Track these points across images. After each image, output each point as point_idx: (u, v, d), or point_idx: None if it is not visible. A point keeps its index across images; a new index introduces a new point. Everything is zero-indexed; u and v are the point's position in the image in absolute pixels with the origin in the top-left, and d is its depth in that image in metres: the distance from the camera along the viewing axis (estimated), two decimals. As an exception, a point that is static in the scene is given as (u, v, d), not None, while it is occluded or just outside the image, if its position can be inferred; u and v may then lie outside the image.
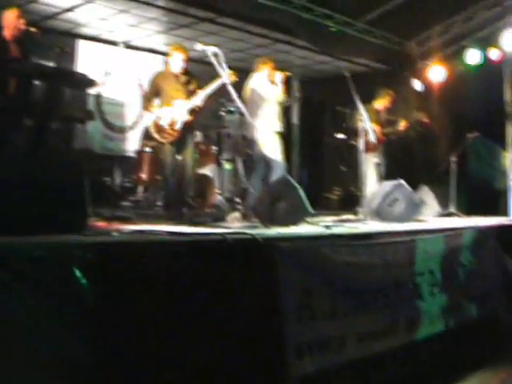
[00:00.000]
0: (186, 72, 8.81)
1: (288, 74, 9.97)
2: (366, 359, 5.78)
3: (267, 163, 9.41)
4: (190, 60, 8.86)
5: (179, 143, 8.69)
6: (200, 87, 8.66)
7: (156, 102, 8.87)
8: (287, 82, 10.02)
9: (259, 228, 6.61)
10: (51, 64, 7.85)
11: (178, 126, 8.54)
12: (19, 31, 7.74)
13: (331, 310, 5.46)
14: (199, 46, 7.96)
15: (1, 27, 7.74)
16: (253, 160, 9.75)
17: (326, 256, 5.45)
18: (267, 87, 9.70)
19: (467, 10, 13.66)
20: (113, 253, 4.07)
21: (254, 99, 9.63)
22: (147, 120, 8.98)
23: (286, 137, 9.91)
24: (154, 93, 8.85)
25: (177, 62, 8.72)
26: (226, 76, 7.78)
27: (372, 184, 10.87)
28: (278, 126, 9.56)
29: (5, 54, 7.58)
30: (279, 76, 9.70)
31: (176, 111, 8.56)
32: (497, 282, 7.94)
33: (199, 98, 8.55)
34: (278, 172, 9.11)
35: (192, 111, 8.60)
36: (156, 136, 8.72)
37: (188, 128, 8.70)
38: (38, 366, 3.47)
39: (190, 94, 8.70)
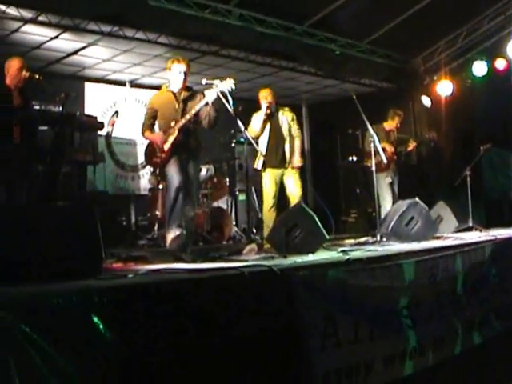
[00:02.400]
0: (186, 88, 7.99)
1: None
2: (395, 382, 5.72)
3: None
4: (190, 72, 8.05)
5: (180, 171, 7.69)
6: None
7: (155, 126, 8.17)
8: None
9: (276, 258, 6.56)
10: (57, 109, 7.87)
11: (166, 146, 7.73)
12: (22, 79, 7.76)
13: (356, 335, 5.42)
14: (204, 81, 7.93)
15: (4, 76, 7.77)
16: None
17: (345, 281, 5.41)
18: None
19: (471, 23, 13.65)
20: (130, 295, 4.03)
21: None
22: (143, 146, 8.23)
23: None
24: (150, 117, 8.07)
25: (177, 76, 7.90)
26: (231, 108, 7.68)
27: (388, 204, 10.82)
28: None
29: (8, 103, 7.60)
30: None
31: (169, 131, 7.78)
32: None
33: (188, 117, 7.68)
34: None
35: (181, 130, 7.71)
36: (149, 161, 8.21)
37: (178, 147, 7.76)
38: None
39: (190, 111, 7.80)
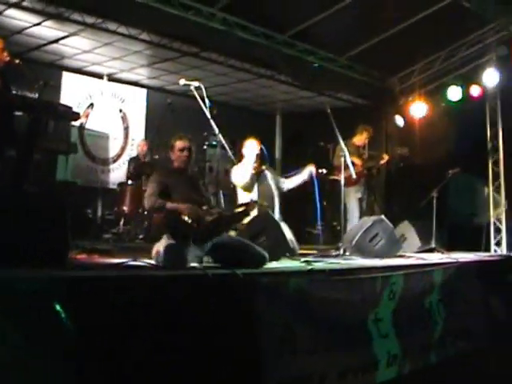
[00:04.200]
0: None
1: None
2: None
3: None
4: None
5: None
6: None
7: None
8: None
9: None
10: (35, 96, 7.83)
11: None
12: (2, 63, 7.68)
13: (312, 345, 5.46)
14: (182, 81, 7.93)
15: (-17, 58, 7.68)
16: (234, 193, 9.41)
17: (306, 291, 5.46)
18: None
19: (449, 48, 13.79)
20: (93, 287, 4.06)
21: None
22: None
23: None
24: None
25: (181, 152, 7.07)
26: (208, 110, 7.64)
27: (355, 219, 10.87)
28: None
29: (-14, 86, 7.54)
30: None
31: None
32: (479, 318, 7.97)
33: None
34: None
35: None
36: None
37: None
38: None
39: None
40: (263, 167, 9.05)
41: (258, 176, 8.89)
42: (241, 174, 8.78)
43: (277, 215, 8.83)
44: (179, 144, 7.07)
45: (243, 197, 8.80)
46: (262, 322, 5.01)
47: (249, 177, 8.71)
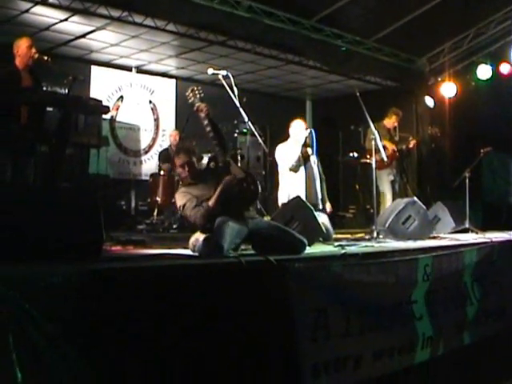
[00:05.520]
0: None
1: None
2: (383, 378, 5.79)
3: None
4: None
5: None
6: None
7: None
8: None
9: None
10: (64, 91, 7.90)
11: None
12: (31, 60, 7.75)
13: (346, 328, 5.46)
14: (210, 70, 7.94)
15: (13, 56, 7.77)
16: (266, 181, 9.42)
17: (339, 275, 5.47)
18: None
19: (477, 26, 13.70)
20: (128, 278, 4.11)
21: None
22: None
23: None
24: None
25: None
26: (236, 98, 7.65)
27: (388, 201, 10.84)
28: None
29: (17, 83, 7.61)
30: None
31: None
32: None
33: None
34: None
35: None
36: None
37: None
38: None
39: None
40: (310, 152, 8.99)
41: (305, 159, 8.88)
42: (288, 154, 8.81)
43: (319, 201, 8.88)
44: (177, 161, 6.48)
45: (287, 176, 8.84)
46: (296, 307, 5.03)
47: (296, 159, 8.71)
